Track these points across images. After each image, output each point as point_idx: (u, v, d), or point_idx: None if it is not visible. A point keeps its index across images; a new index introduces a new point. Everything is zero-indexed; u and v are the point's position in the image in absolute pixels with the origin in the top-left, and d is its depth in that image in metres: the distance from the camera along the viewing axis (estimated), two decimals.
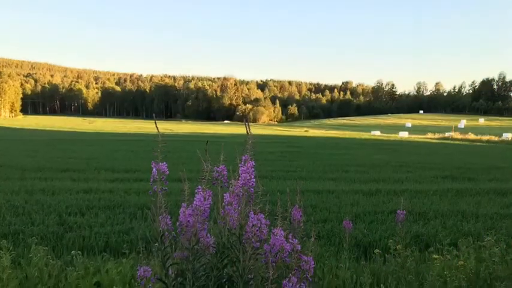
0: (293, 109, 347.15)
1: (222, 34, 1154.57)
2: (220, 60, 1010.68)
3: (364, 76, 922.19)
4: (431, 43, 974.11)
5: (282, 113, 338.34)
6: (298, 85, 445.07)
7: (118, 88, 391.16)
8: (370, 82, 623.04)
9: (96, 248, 12.07)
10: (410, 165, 38.43)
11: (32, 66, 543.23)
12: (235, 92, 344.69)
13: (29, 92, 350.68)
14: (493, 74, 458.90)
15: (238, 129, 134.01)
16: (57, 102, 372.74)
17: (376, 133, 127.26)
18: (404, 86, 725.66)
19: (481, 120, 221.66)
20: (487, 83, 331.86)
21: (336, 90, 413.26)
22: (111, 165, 32.97)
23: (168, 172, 4.66)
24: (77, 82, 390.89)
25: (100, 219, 15.43)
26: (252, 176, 4.59)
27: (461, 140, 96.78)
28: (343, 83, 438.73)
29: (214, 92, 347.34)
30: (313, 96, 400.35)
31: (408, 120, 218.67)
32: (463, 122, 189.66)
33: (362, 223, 15.92)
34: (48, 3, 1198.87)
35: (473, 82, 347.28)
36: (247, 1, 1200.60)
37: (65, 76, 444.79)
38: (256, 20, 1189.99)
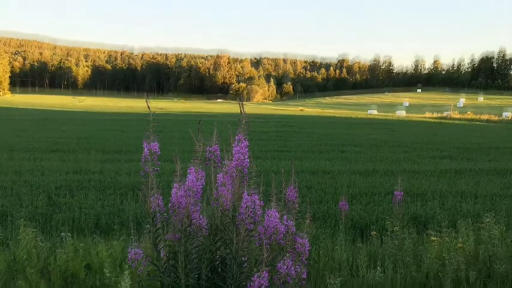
0: (288, 87, 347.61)
1: (216, 8, 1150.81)
2: (214, 34, 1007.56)
3: (361, 52, 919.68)
4: (430, 18, 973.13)
5: (277, 91, 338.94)
6: (293, 63, 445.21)
7: (108, 66, 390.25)
8: (366, 58, 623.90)
9: (86, 230, 11.98)
10: (408, 145, 38.48)
11: (20, 43, 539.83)
12: (228, 70, 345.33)
13: (18, 70, 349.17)
14: (493, 48, 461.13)
15: (231, 107, 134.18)
16: (47, 80, 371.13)
17: (373, 112, 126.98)
18: (402, 63, 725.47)
19: (480, 99, 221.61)
20: (486, 61, 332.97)
21: (331, 67, 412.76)
22: (101, 145, 32.82)
23: (159, 152, 4.64)
24: (67, 60, 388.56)
25: (90, 200, 15.37)
26: (246, 156, 4.53)
27: (460, 119, 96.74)
28: (339, 61, 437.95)
29: (207, 70, 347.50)
30: (309, 74, 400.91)
31: (406, 99, 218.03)
32: (462, 101, 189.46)
33: (358, 204, 15.93)
34: None
35: (472, 60, 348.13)
36: None
37: (54, 54, 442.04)
38: None
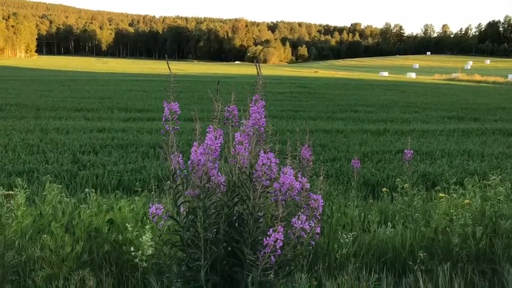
0: (303, 50, 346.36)
1: None
2: (231, 2, 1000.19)
3: (373, 17, 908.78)
4: None
5: (292, 54, 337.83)
6: (308, 27, 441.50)
7: (131, 29, 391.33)
8: (378, 24, 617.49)
9: (109, 186, 12.22)
10: (418, 105, 38.45)
11: (47, 7, 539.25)
12: (246, 34, 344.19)
13: (44, 33, 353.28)
14: (499, 17, 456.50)
15: (248, 69, 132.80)
16: (72, 43, 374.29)
17: (384, 74, 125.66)
18: (412, 28, 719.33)
19: (487, 62, 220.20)
20: (493, 25, 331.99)
21: (344, 32, 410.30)
22: (124, 105, 33.10)
23: (179, 112, 4.68)
24: (91, 23, 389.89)
25: (113, 158, 15.72)
26: (262, 116, 4.62)
27: (468, 81, 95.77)
28: (352, 25, 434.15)
29: (225, 34, 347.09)
30: (323, 37, 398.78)
31: (416, 62, 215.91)
32: (469, 64, 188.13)
33: (370, 162, 16.17)
34: None
35: (479, 24, 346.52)
36: None
37: (79, 17, 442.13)
38: None
